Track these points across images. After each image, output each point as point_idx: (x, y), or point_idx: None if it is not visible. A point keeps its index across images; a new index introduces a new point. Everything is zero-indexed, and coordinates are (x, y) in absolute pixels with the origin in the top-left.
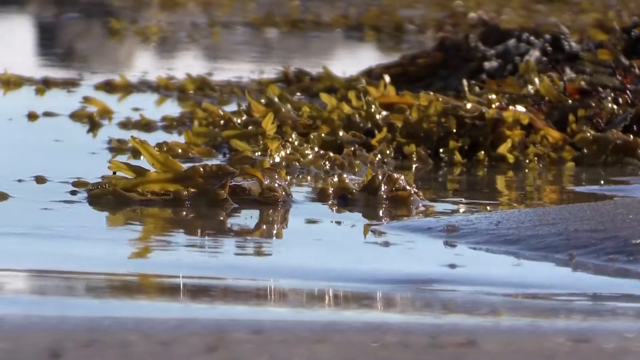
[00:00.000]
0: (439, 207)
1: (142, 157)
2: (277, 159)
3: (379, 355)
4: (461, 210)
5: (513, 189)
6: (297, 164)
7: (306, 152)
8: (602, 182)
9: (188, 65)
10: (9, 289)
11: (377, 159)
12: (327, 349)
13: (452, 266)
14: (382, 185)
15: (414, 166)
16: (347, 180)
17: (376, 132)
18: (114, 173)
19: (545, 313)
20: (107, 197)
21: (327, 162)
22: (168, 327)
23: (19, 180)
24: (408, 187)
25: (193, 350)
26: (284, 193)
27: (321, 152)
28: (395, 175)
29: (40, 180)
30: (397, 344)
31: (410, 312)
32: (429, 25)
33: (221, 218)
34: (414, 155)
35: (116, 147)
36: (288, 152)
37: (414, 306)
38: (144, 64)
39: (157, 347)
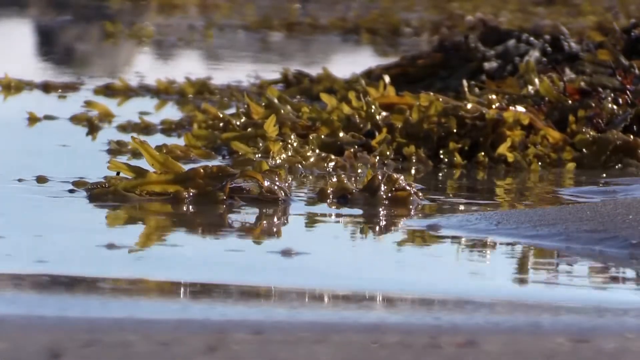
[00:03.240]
0: (440, 207)
1: (143, 159)
2: (279, 161)
3: (379, 355)
4: (462, 210)
5: (513, 189)
6: (299, 166)
7: (307, 154)
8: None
9: (186, 68)
10: (9, 289)
11: (376, 160)
12: (327, 349)
13: None
14: (382, 185)
15: (413, 168)
16: (346, 181)
17: (376, 133)
18: (118, 173)
19: (545, 313)
20: (108, 196)
21: (328, 164)
22: (168, 327)
23: (20, 180)
24: (408, 187)
25: (193, 350)
26: (283, 194)
27: (322, 154)
28: (395, 176)
29: (41, 180)
30: (397, 344)
31: (410, 312)
32: (425, 28)
33: (220, 216)
34: (413, 157)
35: (115, 149)
36: (289, 154)
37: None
38: (142, 68)
39: (157, 347)
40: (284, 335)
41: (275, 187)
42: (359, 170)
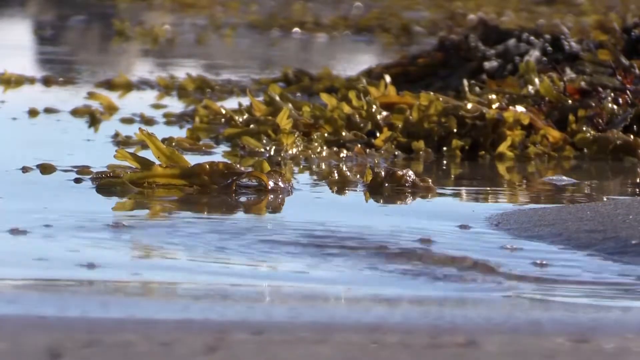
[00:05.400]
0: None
1: (148, 150)
2: (291, 154)
3: (379, 355)
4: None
5: (514, 188)
6: (315, 158)
7: (317, 150)
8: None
9: (189, 66)
10: (9, 289)
11: (388, 155)
12: (327, 349)
13: None
14: (385, 182)
15: (421, 159)
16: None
17: (377, 132)
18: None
19: (545, 313)
20: (116, 188)
21: (343, 156)
22: (168, 327)
23: (23, 170)
24: (421, 183)
25: (193, 350)
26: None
27: (335, 148)
28: (400, 172)
29: (46, 168)
30: (397, 344)
31: (410, 311)
32: (437, 28)
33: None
34: (421, 153)
35: (123, 140)
36: (300, 148)
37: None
38: (145, 65)
39: (157, 348)
40: (284, 335)
41: (278, 189)
42: (376, 161)
